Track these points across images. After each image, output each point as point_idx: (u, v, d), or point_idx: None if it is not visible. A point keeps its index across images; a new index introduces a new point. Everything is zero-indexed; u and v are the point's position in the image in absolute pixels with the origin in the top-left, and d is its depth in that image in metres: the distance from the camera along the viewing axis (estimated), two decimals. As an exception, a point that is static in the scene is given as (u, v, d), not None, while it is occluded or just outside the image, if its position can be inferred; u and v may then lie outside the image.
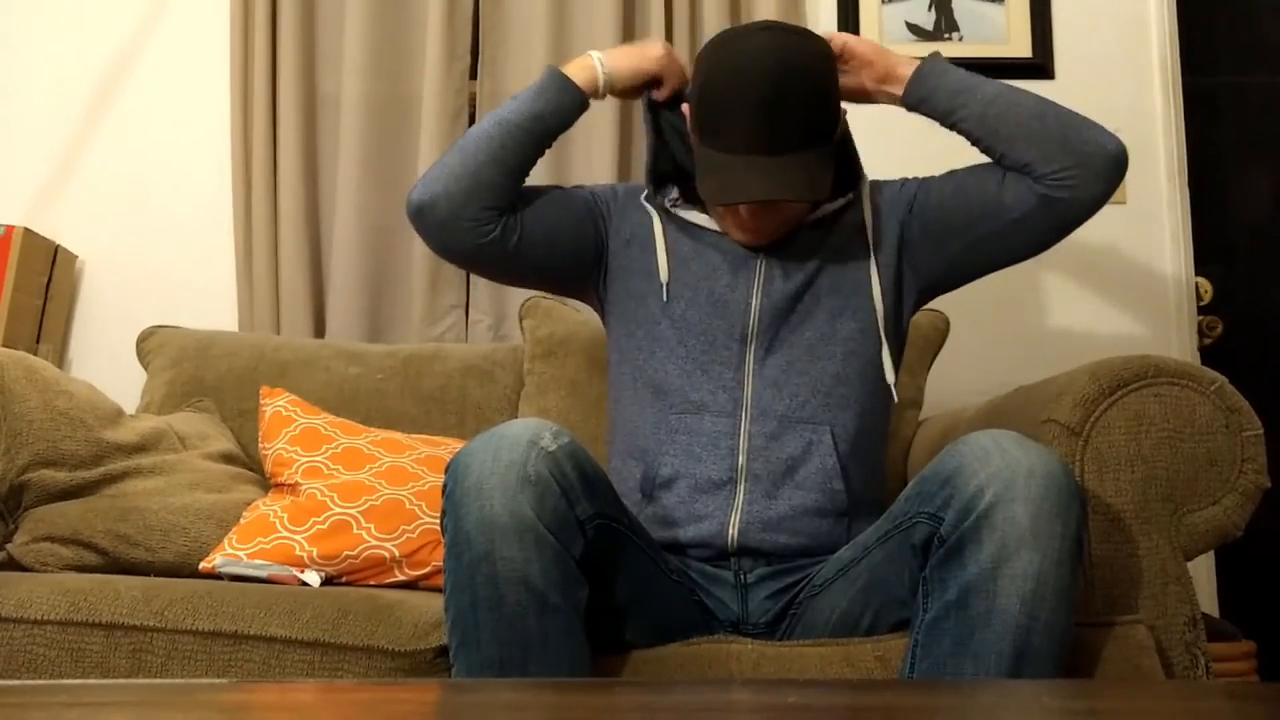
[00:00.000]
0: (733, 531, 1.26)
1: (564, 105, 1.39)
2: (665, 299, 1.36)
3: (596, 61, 1.42)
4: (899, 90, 1.36)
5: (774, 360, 1.32)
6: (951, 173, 1.40)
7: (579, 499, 1.06)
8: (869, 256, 1.37)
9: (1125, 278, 2.21)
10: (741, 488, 1.27)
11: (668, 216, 1.42)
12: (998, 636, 0.99)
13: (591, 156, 2.16)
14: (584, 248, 1.42)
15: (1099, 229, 2.24)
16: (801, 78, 1.24)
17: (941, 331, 1.82)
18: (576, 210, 1.43)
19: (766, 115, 1.23)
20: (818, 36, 1.31)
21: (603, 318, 1.48)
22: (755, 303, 1.33)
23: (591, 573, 1.08)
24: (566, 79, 1.40)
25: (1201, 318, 2.25)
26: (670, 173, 1.45)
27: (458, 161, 1.35)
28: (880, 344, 1.35)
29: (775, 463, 1.28)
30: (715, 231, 1.39)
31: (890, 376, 1.35)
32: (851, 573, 1.21)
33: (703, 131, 1.29)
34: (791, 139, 1.24)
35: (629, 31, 2.19)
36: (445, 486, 1.07)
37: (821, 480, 1.28)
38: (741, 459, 1.28)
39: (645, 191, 1.45)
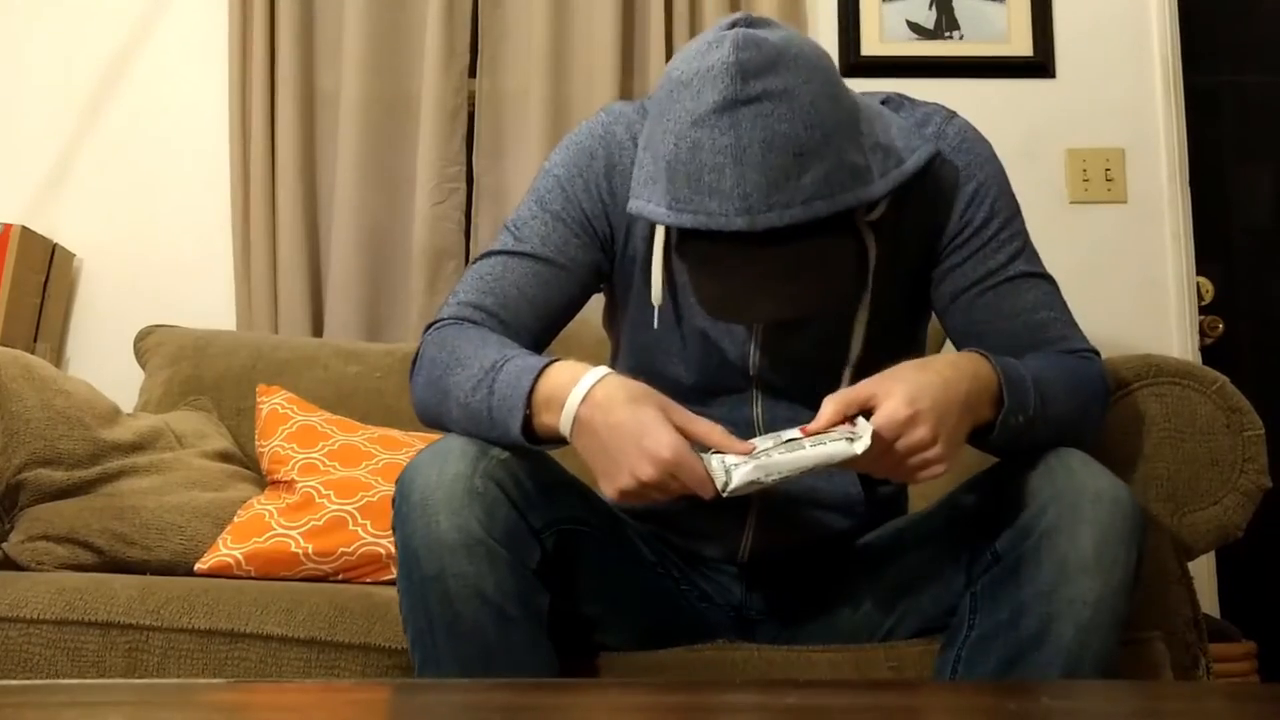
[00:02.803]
0: (744, 553, 1.21)
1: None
2: (655, 325, 1.18)
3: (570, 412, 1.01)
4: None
5: (781, 404, 1.19)
6: (961, 305, 1.17)
7: (533, 508, 1.02)
8: (862, 296, 1.16)
9: (1126, 277, 2.20)
10: (755, 510, 1.19)
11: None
12: (1048, 660, 0.96)
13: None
14: (592, 282, 1.22)
15: (1099, 229, 2.24)
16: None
17: (942, 332, 1.81)
18: (579, 271, 1.18)
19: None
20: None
21: (608, 302, 1.31)
22: (752, 358, 1.18)
23: (559, 581, 1.04)
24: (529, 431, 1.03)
25: (1203, 317, 2.25)
26: None
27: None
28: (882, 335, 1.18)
29: (794, 489, 1.17)
30: None
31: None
32: (878, 572, 1.16)
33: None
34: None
35: (629, 31, 2.18)
36: (394, 500, 1.03)
37: (843, 502, 1.20)
38: None
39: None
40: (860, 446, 0.96)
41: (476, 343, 1.09)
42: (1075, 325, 1.17)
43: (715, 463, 0.98)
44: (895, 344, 1.17)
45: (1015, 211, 1.19)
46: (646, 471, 0.96)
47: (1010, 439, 1.03)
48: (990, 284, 1.14)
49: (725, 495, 0.97)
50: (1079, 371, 1.11)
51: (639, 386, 1.00)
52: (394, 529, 1.03)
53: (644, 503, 1.01)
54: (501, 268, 1.17)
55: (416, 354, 1.15)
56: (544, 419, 1.01)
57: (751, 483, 0.97)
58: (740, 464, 0.97)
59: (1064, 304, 1.18)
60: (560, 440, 1.02)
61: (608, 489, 1.00)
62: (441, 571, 0.98)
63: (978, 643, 1.01)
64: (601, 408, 0.98)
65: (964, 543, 1.04)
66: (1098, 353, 1.16)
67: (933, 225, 1.15)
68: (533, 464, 1.04)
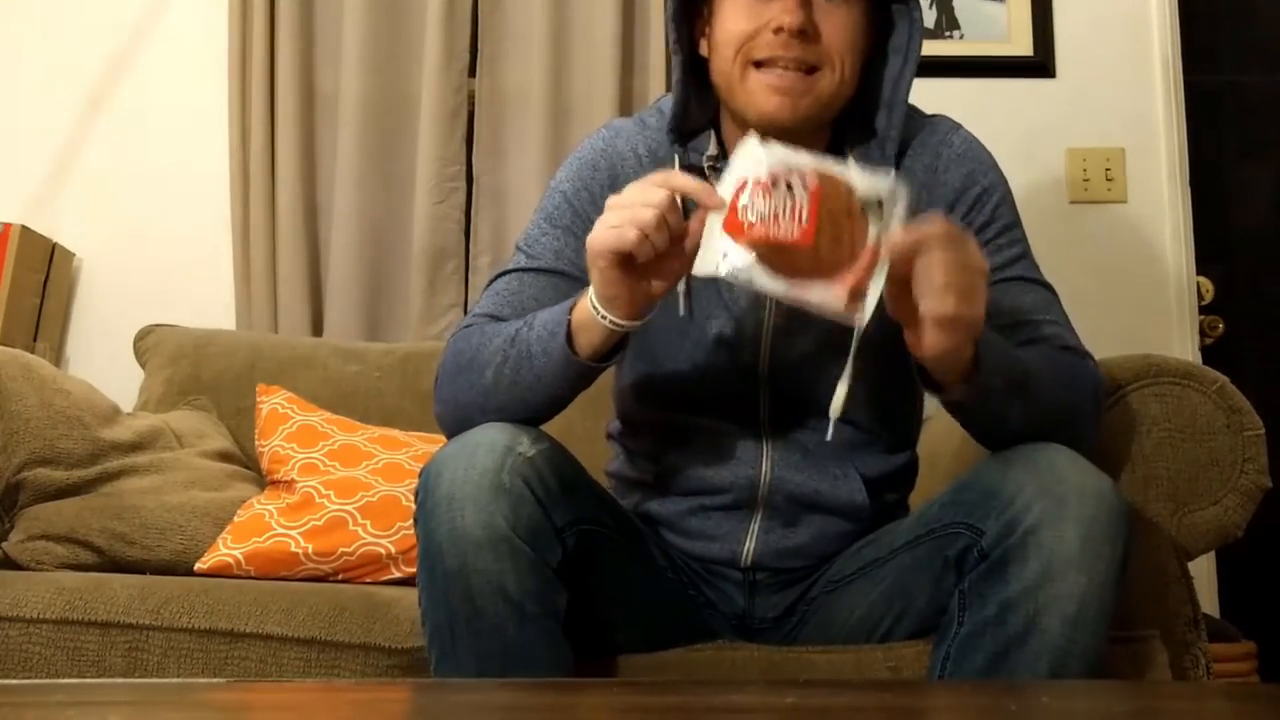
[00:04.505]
0: (746, 559, 1.20)
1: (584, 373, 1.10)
2: (682, 311, 1.19)
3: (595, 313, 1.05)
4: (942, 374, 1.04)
5: (789, 408, 1.19)
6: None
7: (556, 506, 1.02)
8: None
9: (1126, 277, 2.20)
10: (759, 514, 1.20)
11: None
12: (1035, 656, 0.97)
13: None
14: None
15: (1100, 228, 2.24)
16: None
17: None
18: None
19: None
20: None
21: None
22: (764, 352, 1.19)
23: (576, 580, 1.04)
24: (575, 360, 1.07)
25: (1203, 317, 2.24)
26: (704, 123, 1.21)
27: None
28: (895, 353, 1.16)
29: (798, 495, 1.19)
30: None
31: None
32: (875, 574, 1.16)
33: None
34: None
35: (629, 29, 2.18)
36: (417, 494, 1.04)
37: (849, 508, 1.20)
38: (762, 487, 1.19)
39: (667, 152, 1.21)
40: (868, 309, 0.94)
41: (500, 326, 1.14)
42: (1073, 331, 1.17)
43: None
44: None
45: (1017, 221, 1.22)
46: (634, 196, 0.99)
47: (982, 401, 1.04)
48: (988, 282, 1.13)
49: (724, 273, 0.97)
50: (1071, 367, 1.12)
51: None
52: (416, 521, 1.04)
53: (638, 234, 0.98)
54: (518, 283, 1.20)
55: (438, 371, 1.17)
56: (581, 339, 1.06)
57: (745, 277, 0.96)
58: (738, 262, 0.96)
59: (1063, 312, 1.19)
60: (603, 357, 1.07)
61: (599, 234, 1.00)
62: (464, 567, 0.98)
63: (966, 640, 1.01)
64: None
65: (953, 541, 1.04)
66: (1094, 360, 1.16)
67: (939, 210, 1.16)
68: (557, 463, 1.04)
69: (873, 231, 0.94)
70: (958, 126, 1.24)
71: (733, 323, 1.18)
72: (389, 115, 2.19)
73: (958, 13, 2.26)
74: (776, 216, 0.93)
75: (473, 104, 2.21)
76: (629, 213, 0.98)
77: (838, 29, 1.11)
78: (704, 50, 1.19)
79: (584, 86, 2.17)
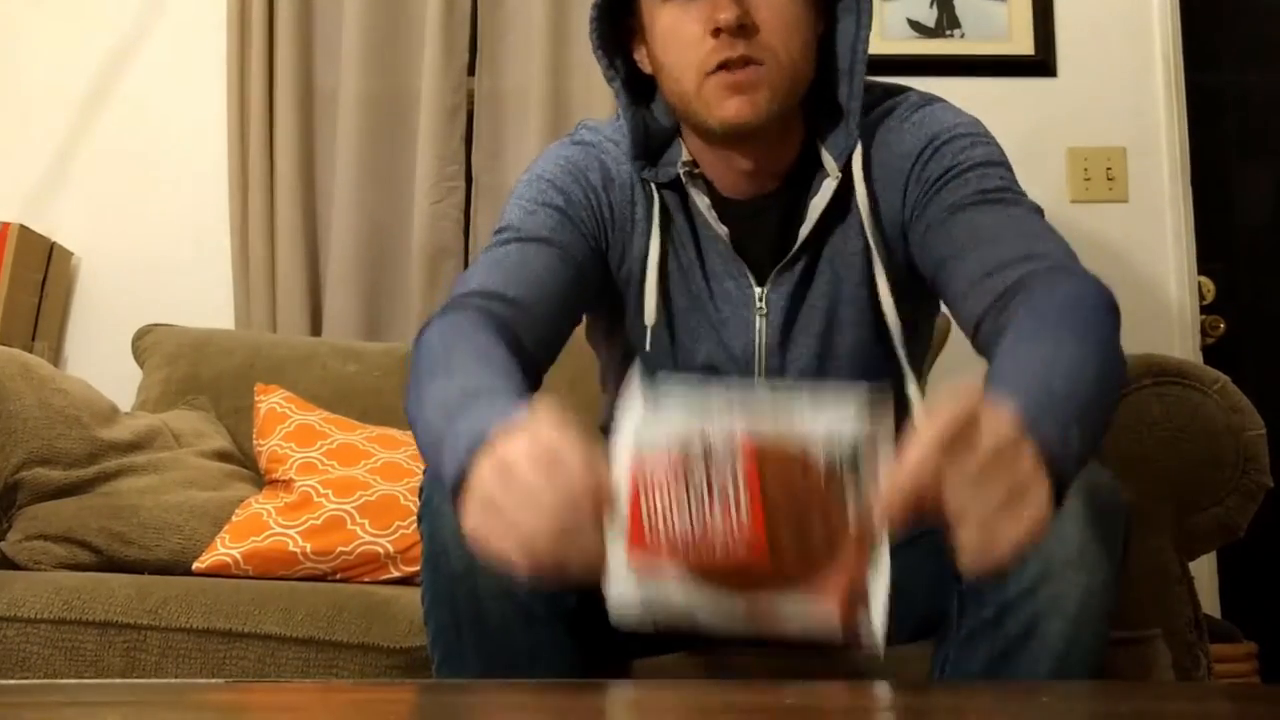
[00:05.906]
0: None
1: None
2: (647, 348, 1.13)
3: None
4: None
5: None
6: (954, 221, 1.07)
7: None
8: (870, 254, 1.12)
9: (1127, 277, 2.20)
10: None
11: (674, 199, 1.14)
12: (1035, 658, 0.95)
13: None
14: (587, 293, 1.15)
15: (1101, 228, 2.24)
16: None
17: (943, 332, 1.81)
18: (585, 266, 1.11)
19: None
20: None
21: (596, 318, 1.25)
22: (757, 379, 1.13)
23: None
24: None
25: (1204, 317, 2.24)
26: (668, 136, 1.15)
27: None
28: (891, 352, 1.14)
29: None
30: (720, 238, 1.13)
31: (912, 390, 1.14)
32: None
33: None
34: None
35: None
36: (422, 491, 1.01)
37: None
38: None
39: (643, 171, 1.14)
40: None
41: (475, 349, 0.98)
42: (1049, 239, 1.04)
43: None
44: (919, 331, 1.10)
45: (1002, 163, 1.12)
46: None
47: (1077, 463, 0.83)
48: (946, 215, 1.07)
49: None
50: (1085, 319, 0.99)
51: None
52: (420, 519, 1.01)
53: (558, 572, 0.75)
54: (519, 254, 1.09)
55: (419, 338, 1.03)
56: None
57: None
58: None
59: (1056, 235, 1.05)
60: None
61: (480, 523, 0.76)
62: (471, 568, 0.95)
63: (965, 641, 0.99)
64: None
65: (951, 541, 1.03)
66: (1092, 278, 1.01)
67: (899, 199, 1.10)
68: None
69: (851, 504, 0.65)
70: (926, 103, 1.13)
71: (722, 349, 1.14)
72: (388, 114, 2.19)
73: (958, 11, 2.25)
74: (703, 522, 0.64)
75: (472, 103, 2.20)
76: (524, 530, 0.73)
77: (775, 9, 1.04)
78: (645, 67, 1.12)
79: (583, 86, 2.17)
